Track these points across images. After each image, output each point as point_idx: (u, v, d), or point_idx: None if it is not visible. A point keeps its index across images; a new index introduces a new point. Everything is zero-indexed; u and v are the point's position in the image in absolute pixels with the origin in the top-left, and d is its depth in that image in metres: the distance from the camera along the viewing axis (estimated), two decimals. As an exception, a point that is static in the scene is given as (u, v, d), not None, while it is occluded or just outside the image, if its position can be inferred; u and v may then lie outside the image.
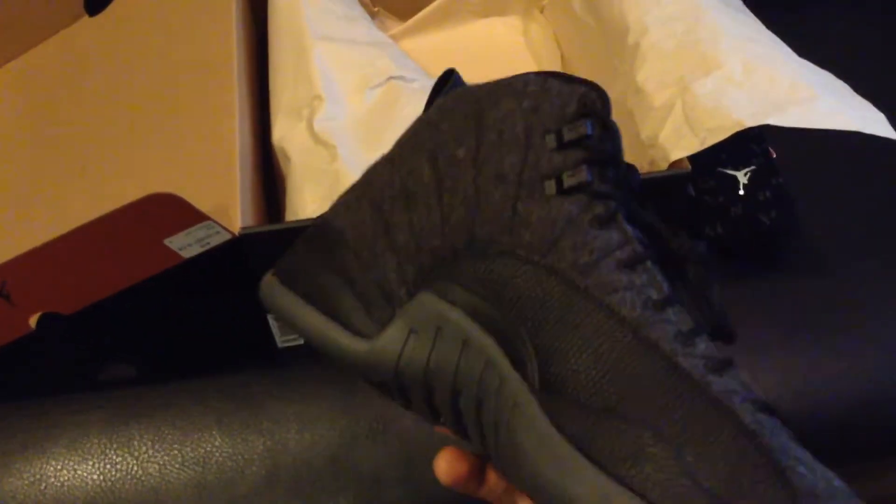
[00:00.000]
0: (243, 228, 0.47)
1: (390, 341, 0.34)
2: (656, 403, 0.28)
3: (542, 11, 0.75)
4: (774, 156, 0.61)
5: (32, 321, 0.48)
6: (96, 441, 0.53)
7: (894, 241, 0.63)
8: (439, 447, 0.36)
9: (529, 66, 0.72)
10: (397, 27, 0.73)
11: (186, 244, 0.46)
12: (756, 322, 0.58)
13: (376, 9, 0.73)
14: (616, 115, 0.35)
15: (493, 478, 0.36)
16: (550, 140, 0.33)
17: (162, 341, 0.58)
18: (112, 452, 0.53)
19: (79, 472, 0.52)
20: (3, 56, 0.69)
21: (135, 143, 0.57)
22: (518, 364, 0.31)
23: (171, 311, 0.58)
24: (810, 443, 0.29)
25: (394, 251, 0.35)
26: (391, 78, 0.59)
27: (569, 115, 0.33)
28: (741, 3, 0.60)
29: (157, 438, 0.53)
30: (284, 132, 0.56)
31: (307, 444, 0.53)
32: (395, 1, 0.73)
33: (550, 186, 0.33)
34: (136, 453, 0.53)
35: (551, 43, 0.72)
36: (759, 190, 0.60)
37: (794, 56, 0.55)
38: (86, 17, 0.68)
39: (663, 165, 0.51)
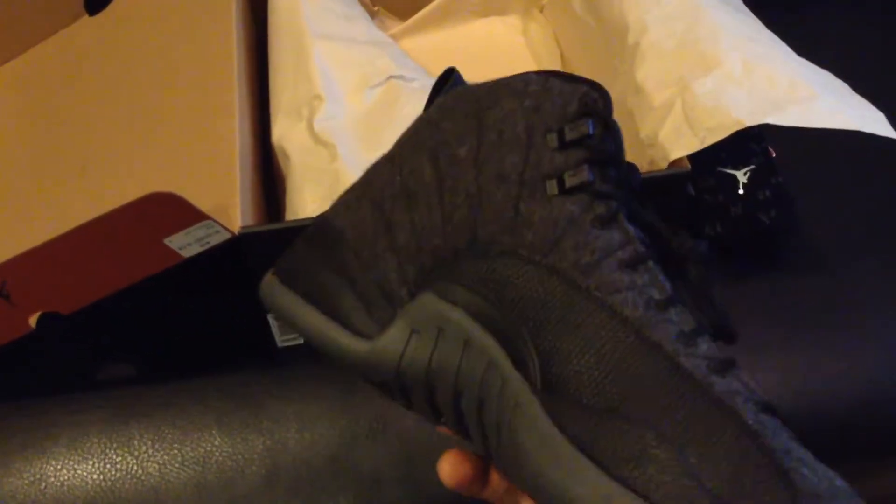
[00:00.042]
0: (243, 228, 0.47)
1: (392, 342, 0.34)
2: (659, 404, 0.28)
3: (541, 11, 0.74)
4: (774, 155, 0.61)
5: (32, 321, 0.48)
6: (96, 441, 0.53)
7: (894, 241, 0.63)
8: (439, 447, 0.36)
9: (529, 65, 0.72)
10: (397, 26, 0.73)
11: (186, 243, 0.46)
12: (756, 322, 0.57)
13: (376, 8, 0.73)
14: (616, 115, 0.35)
15: (495, 479, 0.36)
16: (552, 139, 0.33)
17: (161, 341, 0.58)
18: (112, 452, 0.53)
19: (78, 472, 0.52)
20: (3, 56, 0.69)
21: (135, 143, 0.57)
22: (520, 364, 0.31)
23: (170, 311, 0.58)
24: (810, 442, 0.29)
25: (394, 251, 0.35)
26: (391, 77, 0.58)
27: (570, 115, 0.33)
28: (741, 2, 0.60)
29: (156, 438, 0.53)
30: (284, 132, 0.56)
31: (307, 444, 0.53)
32: (395, 0, 0.73)
33: (552, 186, 0.33)
34: (135, 453, 0.53)
35: (551, 42, 0.72)
36: (758, 189, 0.60)
37: (793, 55, 0.55)
38: (85, 17, 0.68)
39: (663, 165, 0.51)
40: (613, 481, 0.27)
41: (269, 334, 0.56)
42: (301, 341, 0.56)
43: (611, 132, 0.34)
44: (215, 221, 0.45)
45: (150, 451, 0.53)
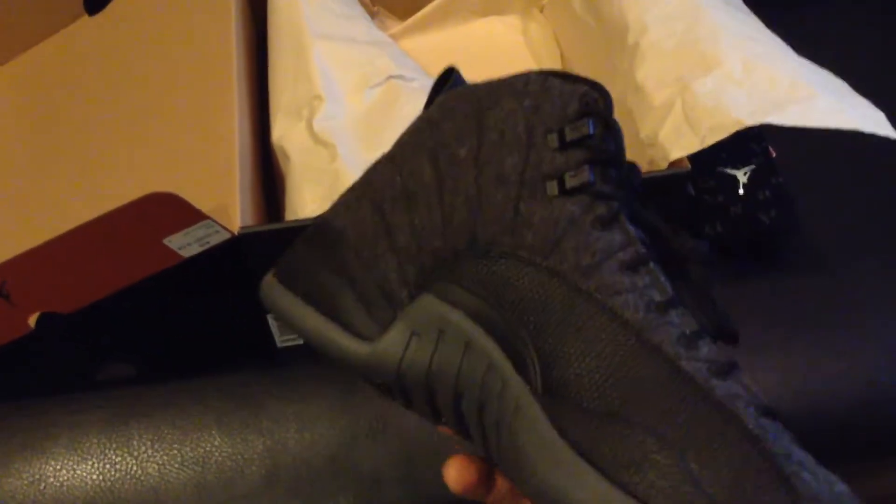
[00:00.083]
0: (243, 228, 0.47)
1: (392, 344, 0.33)
2: (659, 408, 0.28)
3: (541, 10, 0.74)
4: (774, 155, 0.61)
5: (32, 321, 0.48)
6: (95, 441, 0.53)
7: (894, 241, 0.62)
8: (439, 447, 0.36)
9: (529, 65, 0.72)
10: (397, 26, 0.73)
11: (186, 243, 0.46)
12: (756, 322, 0.57)
13: (376, 8, 0.73)
14: (616, 115, 0.34)
15: (500, 483, 0.36)
16: (552, 140, 0.33)
17: (161, 341, 0.58)
18: (111, 452, 0.53)
19: (78, 472, 0.52)
20: (3, 56, 0.69)
21: (135, 143, 0.57)
22: (520, 367, 0.31)
23: (170, 311, 0.58)
24: (810, 442, 0.29)
25: (394, 252, 0.34)
26: (391, 77, 0.58)
27: (570, 115, 0.33)
28: (741, 2, 0.60)
29: (156, 438, 0.53)
30: (284, 132, 0.56)
31: (307, 444, 0.53)
32: (395, 0, 0.73)
33: (553, 187, 0.32)
34: (135, 453, 0.53)
35: (551, 42, 0.72)
36: (758, 189, 0.60)
37: (793, 55, 0.54)
38: (85, 17, 0.68)
39: (663, 165, 0.51)
40: (613, 486, 0.27)
41: (269, 334, 0.56)
42: (301, 341, 0.56)
43: (611, 132, 0.34)
44: (215, 221, 0.45)
45: (150, 452, 0.53)
